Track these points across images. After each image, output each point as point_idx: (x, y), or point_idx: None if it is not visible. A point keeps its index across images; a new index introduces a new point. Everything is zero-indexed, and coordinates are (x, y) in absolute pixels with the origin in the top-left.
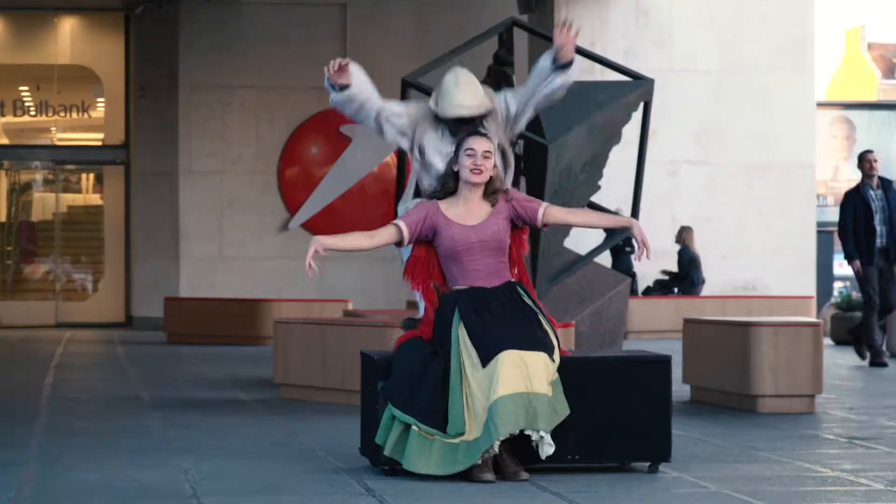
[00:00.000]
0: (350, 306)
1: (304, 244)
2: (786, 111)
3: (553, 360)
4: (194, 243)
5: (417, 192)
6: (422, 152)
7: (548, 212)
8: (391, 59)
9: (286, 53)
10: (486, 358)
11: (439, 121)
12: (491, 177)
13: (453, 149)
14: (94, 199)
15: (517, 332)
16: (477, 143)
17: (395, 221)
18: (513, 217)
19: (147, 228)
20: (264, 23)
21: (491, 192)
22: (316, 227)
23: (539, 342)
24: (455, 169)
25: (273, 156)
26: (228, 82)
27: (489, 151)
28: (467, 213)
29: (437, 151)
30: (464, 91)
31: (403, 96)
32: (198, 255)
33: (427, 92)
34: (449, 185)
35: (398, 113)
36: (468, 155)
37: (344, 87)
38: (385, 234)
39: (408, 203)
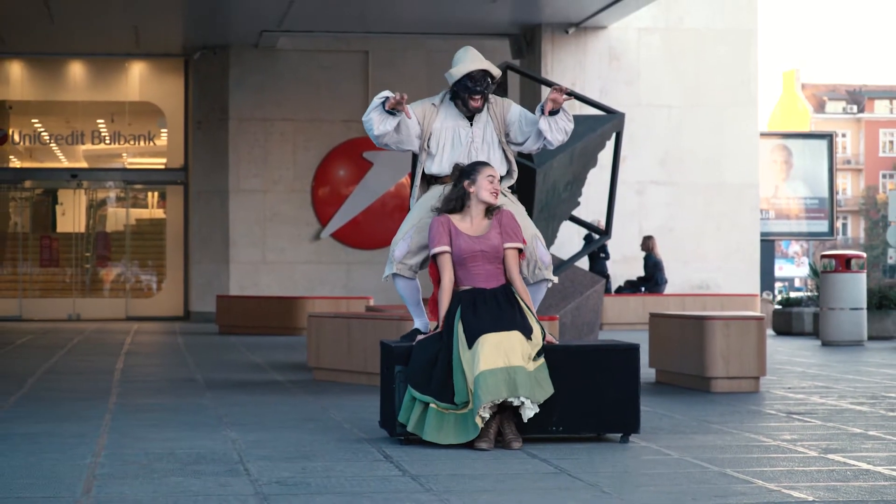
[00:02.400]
0: (371, 303)
1: (333, 251)
2: (734, 140)
3: (529, 339)
4: (241, 250)
5: (424, 182)
6: (430, 138)
7: (509, 252)
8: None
9: (318, 92)
10: (471, 341)
11: (448, 101)
12: None
13: (467, 122)
14: (158, 213)
15: (499, 318)
16: (493, 171)
17: (440, 251)
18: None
19: (202, 237)
20: (300, 67)
21: (491, 208)
22: (343, 236)
23: (516, 325)
24: (471, 190)
25: (307, 177)
26: (270, 116)
27: (498, 178)
28: (473, 226)
29: (449, 126)
30: (474, 57)
31: None
32: (244, 259)
33: None
34: (463, 203)
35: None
36: (488, 181)
37: (394, 113)
38: (449, 267)
39: (414, 193)
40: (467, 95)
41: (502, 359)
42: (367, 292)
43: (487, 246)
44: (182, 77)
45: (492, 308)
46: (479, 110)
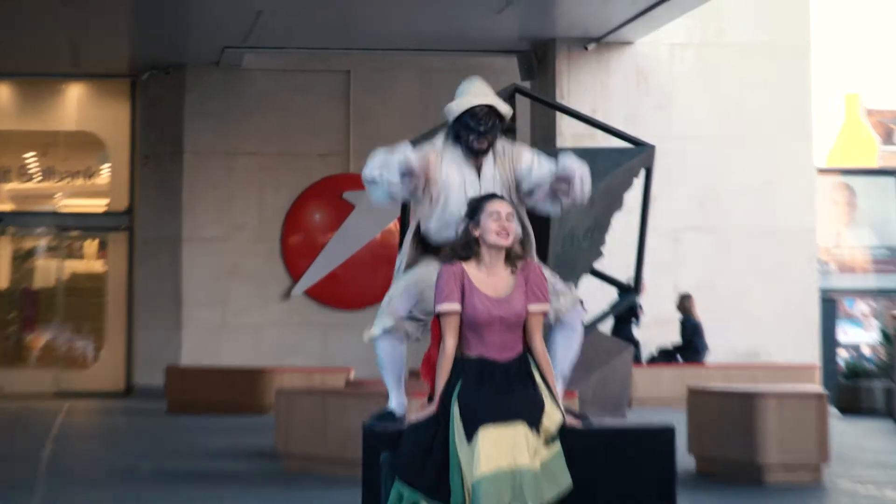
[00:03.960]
0: (352, 375)
1: (306, 311)
2: (787, 176)
3: (538, 431)
4: (197, 310)
5: (418, 243)
6: (431, 191)
7: (534, 317)
8: (395, 126)
9: (290, 119)
10: (469, 433)
11: (451, 142)
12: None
13: (474, 172)
14: (97, 265)
15: (506, 403)
16: (500, 206)
17: (448, 311)
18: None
19: (149, 295)
20: (268, 89)
21: (513, 256)
22: (319, 294)
23: (525, 410)
24: (476, 234)
25: (276, 223)
26: (233, 148)
27: (512, 214)
28: (492, 281)
29: (454, 179)
30: (478, 90)
31: None
32: (200, 322)
33: None
34: (471, 250)
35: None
36: (493, 218)
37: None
38: (454, 330)
39: (404, 251)
40: (470, 136)
41: (506, 458)
42: (348, 362)
43: (508, 312)
44: (128, 102)
45: (499, 387)
46: (486, 151)
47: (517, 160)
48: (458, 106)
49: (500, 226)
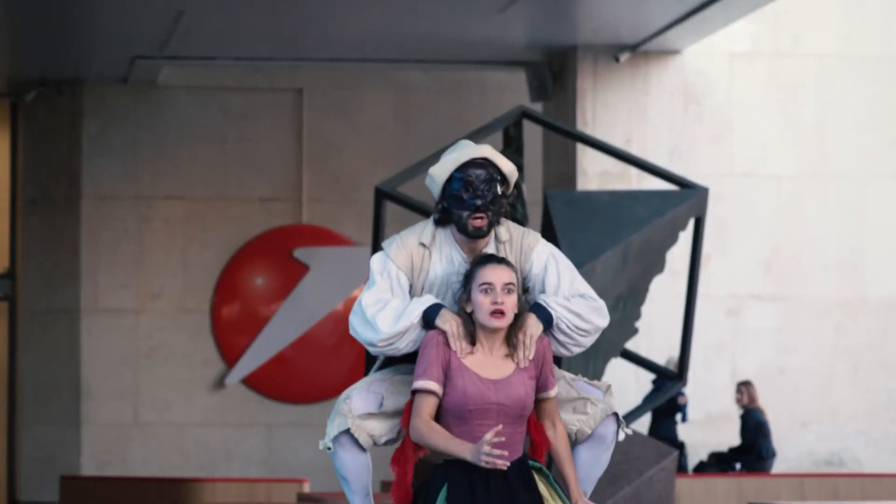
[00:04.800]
0: (307, 488)
1: (246, 406)
2: (880, 228)
3: None
4: (101, 405)
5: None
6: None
7: (550, 403)
8: (362, 162)
9: (224, 153)
10: None
11: (442, 231)
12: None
13: (464, 258)
14: None
15: None
16: (494, 273)
17: (424, 386)
18: (536, 377)
19: (38, 384)
20: (194, 113)
21: (513, 338)
22: (262, 383)
23: None
24: (468, 310)
25: (206, 289)
26: (147, 191)
27: (511, 284)
28: (487, 359)
29: (439, 267)
30: (473, 147)
31: (378, 209)
32: (105, 419)
33: (408, 205)
34: (469, 329)
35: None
36: (484, 290)
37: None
38: (427, 414)
39: (374, 371)
40: (463, 213)
41: None
42: (301, 471)
43: (508, 398)
44: (7, 131)
45: (498, 498)
46: (485, 233)
47: (527, 256)
48: (442, 170)
49: (493, 301)
